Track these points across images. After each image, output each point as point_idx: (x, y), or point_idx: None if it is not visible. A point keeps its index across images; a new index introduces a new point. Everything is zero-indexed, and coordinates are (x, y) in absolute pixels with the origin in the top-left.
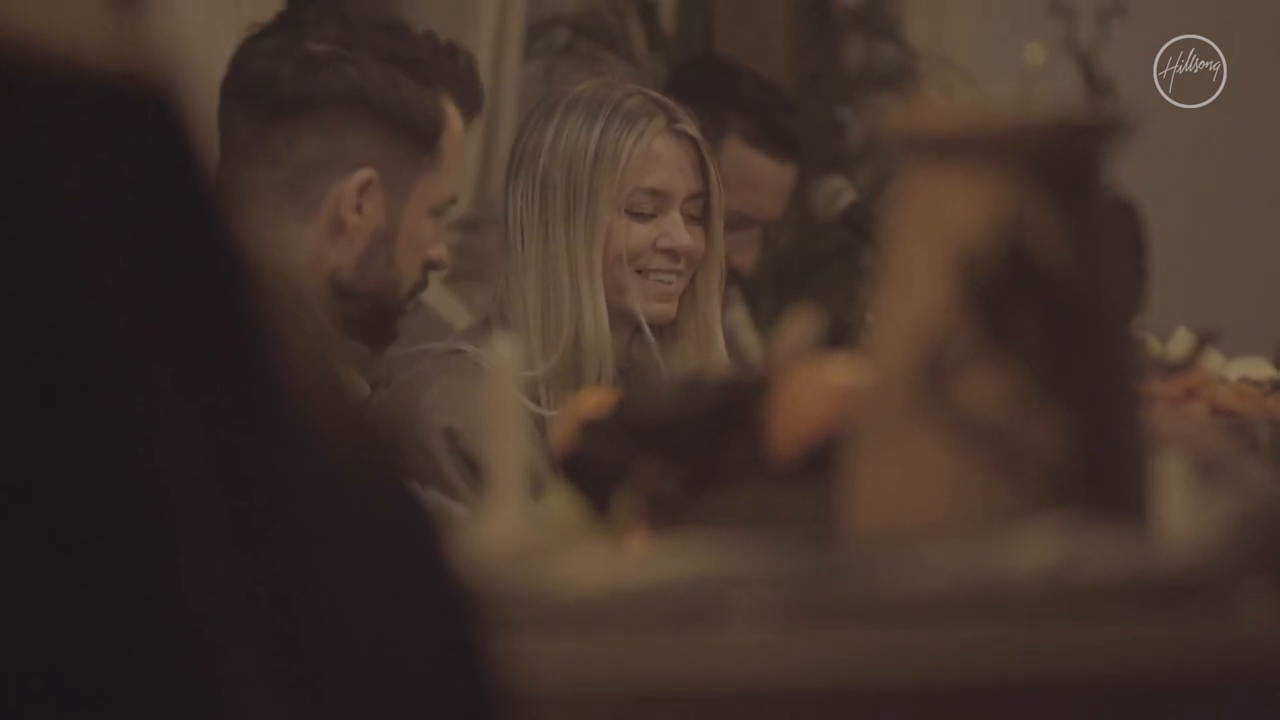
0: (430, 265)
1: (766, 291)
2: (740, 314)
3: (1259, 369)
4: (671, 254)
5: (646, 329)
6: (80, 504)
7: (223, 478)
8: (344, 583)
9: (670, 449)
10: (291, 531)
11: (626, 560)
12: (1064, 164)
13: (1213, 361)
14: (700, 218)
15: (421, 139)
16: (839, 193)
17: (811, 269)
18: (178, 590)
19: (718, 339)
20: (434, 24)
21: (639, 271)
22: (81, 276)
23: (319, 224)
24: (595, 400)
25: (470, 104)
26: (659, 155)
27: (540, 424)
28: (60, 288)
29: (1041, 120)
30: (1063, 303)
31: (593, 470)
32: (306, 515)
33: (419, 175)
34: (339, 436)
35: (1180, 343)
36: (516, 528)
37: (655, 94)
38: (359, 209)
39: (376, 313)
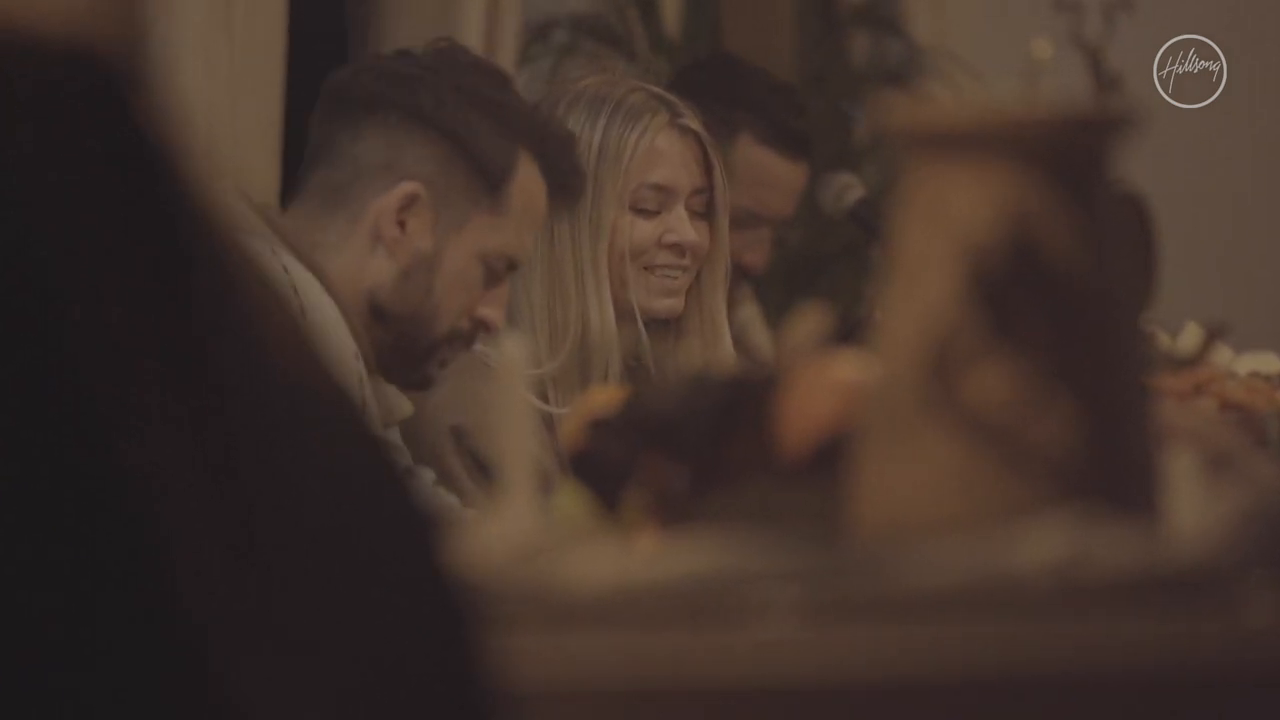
0: (481, 324)
1: (776, 288)
2: (752, 311)
3: (1268, 363)
4: (677, 249)
5: (642, 328)
6: (60, 500)
7: (195, 464)
8: (334, 575)
9: (678, 446)
10: (280, 526)
11: (635, 558)
12: (1071, 159)
13: (1222, 356)
14: (705, 213)
15: (484, 176)
16: (847, 189)
17: (820, 265)
18: (169, 587)
19: (724, 335)
20: (420, 24)
21: (645, 268)
22: (32, 253)
23: (362, 231)
24: (603, 398)
25: (557, 176)
26: (663, 150)
27: (548, 422)
28: (12, 265)
29: (1048, 115)
30: (1070, 298)
31: (601, 468)
32: (294, 509)
33: (475, 212)
34: (322, 421)
35: (1189, 337)
36: (525, 525)
37: (658, 90)
38: (401, 225)
39: (410, 344)
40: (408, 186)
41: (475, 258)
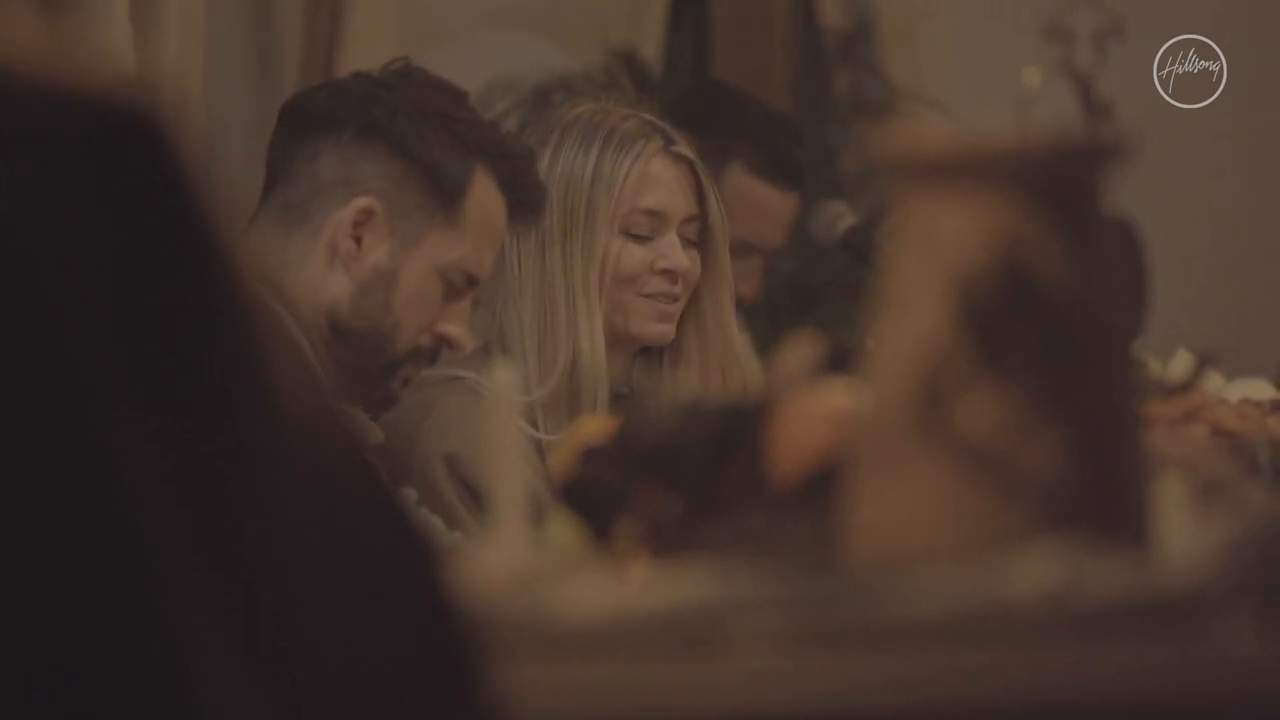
0: (444, 340)
1: (768, 317)
2: (743, 342)
3: (1260, 390)
4: (669, 275)
5: (633, 356)
6: (66, 534)
7: (210, 503)
8: (333, 606)
9: (671, 475)
10: (281, 556)
11: (627, 587)
12: (1062, 187)
13: (1213, 383)
14: (696, 242)
15: (439, 191)
16: (839, 217)
17: (811, 294)
18: (162, 617)
19: (741, 359)
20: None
21: (637, 294)
22: (61, 299)
23: (319, 249)
24: (595, 426)
25: (516, 191)
26: (656, 176)
27: (539, 449)
28: (42, 312)
29: (1039, 143)
30: (1062, 325)
31: (593, 496)
32: (297, 540)
33: (431, 227)
34: (331, 462)
35: (1180, 364)
36: (517, 554)
37: (651, 117)
38: (358, 240)
39: (370, 362)
40: (362, 201)
41: (433, 272)
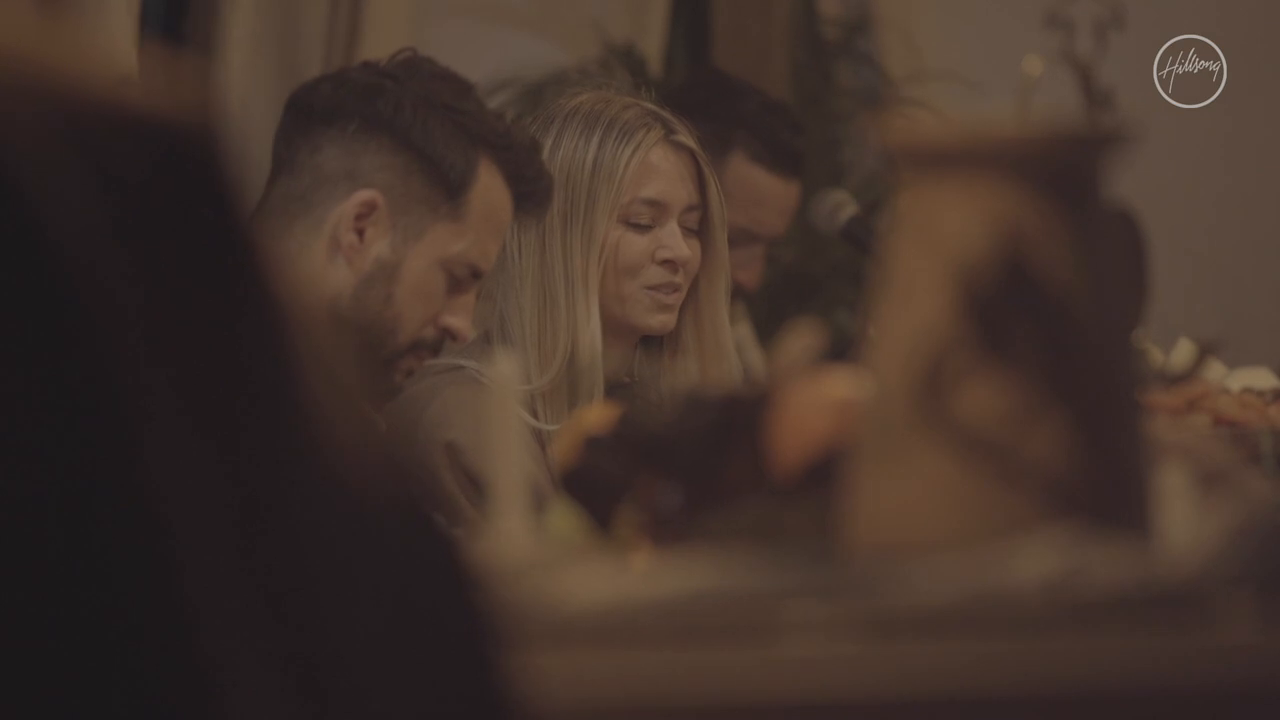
0: (447, 332)
1: (769, 306)
2: (745, 331)
3: (1262, 379)
4: (670, 265)
5: (635, 345)
6: (104, 549)
7: (246, 517)
8: (367, 622)
9: (672, 464)
10: (315, 571)
11: (628, 575)
12: (1063, 176)
13: (1215, 372)
14: (697, 230)
15: (443, 184)
16: (840, 206)
17: (813, 283)
18: (196, 630)
19: (729, 352)
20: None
21: (638, 284)
22: (110, 315)
23: (321, 241)
24: (597, 416)
25: (521, 183)
26: (656, 165)
27: (540, 439)
28: (89, 327)
29: (1040, 133)
30: (1063, 315)
31: (594, 485)
32: (331, 553)
33: (435, 220)
34: (363, 474)
35: (1182, 353)
36: (519, 542)
37: (652, 106)
38: (360, 233)
39: (371, 354)
40: (364, 194)
41: (436, 265)
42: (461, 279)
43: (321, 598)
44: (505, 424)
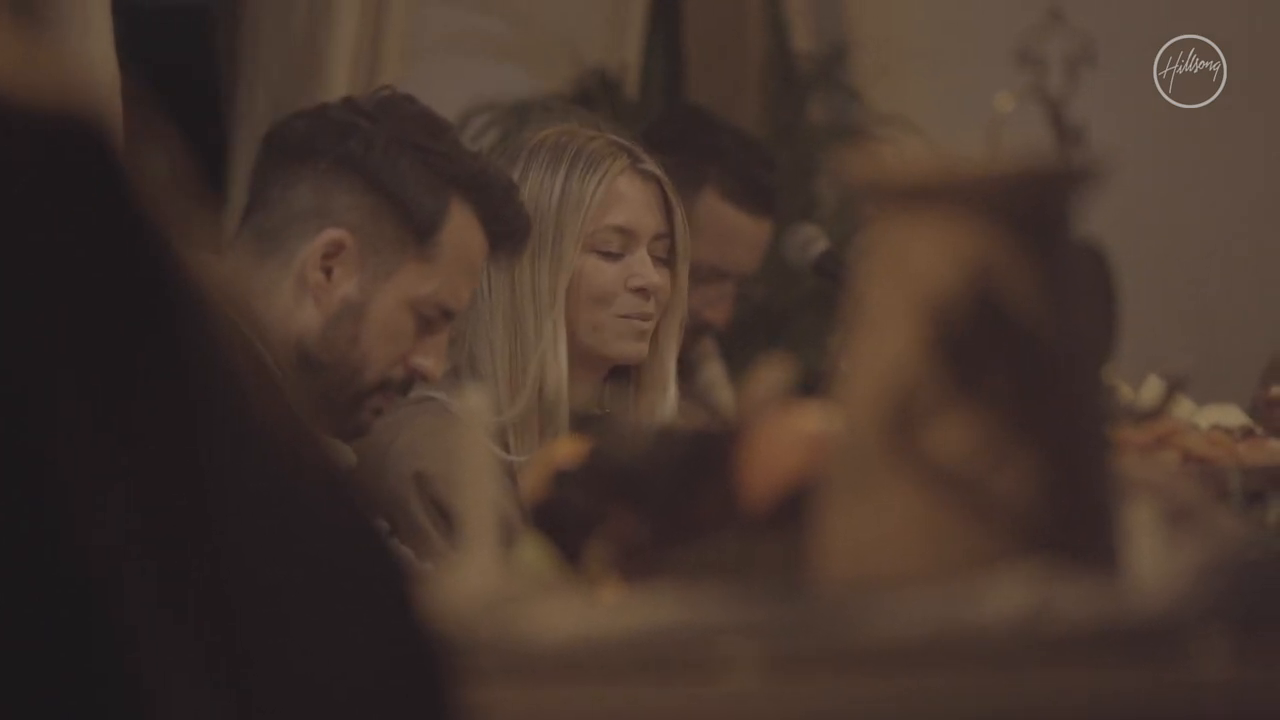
0: (417, 372)
1: (739, 342)
2: (716, 370)
3: (1231, 416)
4: (642, 293)
5: (603, 377)
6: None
7: (178, 524)
8: (305, 627)
9: (642, 498)
10: (252, 577)
11: (598, 609)
12: (1033, 213)
13: (1184, 409)
14: (666, 259)
15: (413, 224)
16: (811, 241)
17: (783, 318)
18: (127, 641)
19: (670, 384)
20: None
21: (610, 313)
22: (16, 319)
23: (290, 279)
24: (567, 449)
25: (497, 225)
26: (623, 193)
27: (511, 472)
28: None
29: (1010, 169)
30: (1032, 350)
31: (564, 519)
32: (269, 561)
33: (404, 261)
34: (300, 478)
35: (1151, 390)
36: (488, 575)
37: (617, 137)
38: (328, 272)
39: (338, 393)
40: (333, 233)
41: (405, 306)
42: (432, 319)
43: (261, 621)
44: (475, 456)
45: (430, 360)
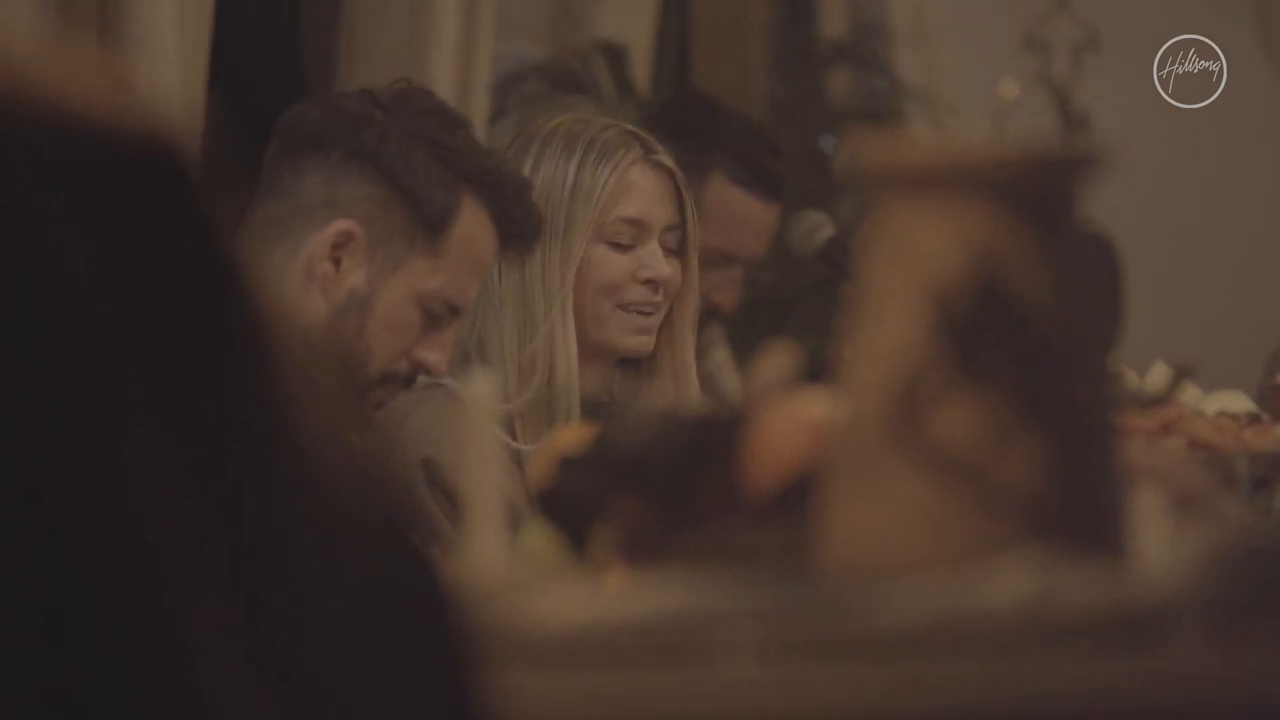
0: (421, 365)
1: (746, 328)
2: (723, 355)
3: (1237, 402)
4: (651, 285)
5: (614, 366)
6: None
7: (228, 535)
8: (346, 642)
9: (648, 485)
10: (295, 591)
11: (603, 596)
12: (1038, 199)
13: (1190, 395)
14: (677, 250)
15: (423, 219)
16: (817, 228)
17: (789, 304)
18: (179, 647)
19: (692, 374)
20: (385, 76)
21: (619, 305)
22: (88, 341)
23: (298, 267)
24: (573, 436)
25: (508, 223)
26: (635, 184)
27: (518, 459)
28: (67, 351)
29: (1016, 155)
30: (1038, 337)
31: (570, 506)
32: (311, 570)
33: (412, 254)
34: (345, 494)
35: (1158, 376)
36: (494, 561)
37: (631, 127)
38: (336, 262)
39: (347, 381)
40: (342, 224)
41: (411, 300)
42: (438, 315)
43: (302, 617)
44: (482, 443)
45: (434, 354)
